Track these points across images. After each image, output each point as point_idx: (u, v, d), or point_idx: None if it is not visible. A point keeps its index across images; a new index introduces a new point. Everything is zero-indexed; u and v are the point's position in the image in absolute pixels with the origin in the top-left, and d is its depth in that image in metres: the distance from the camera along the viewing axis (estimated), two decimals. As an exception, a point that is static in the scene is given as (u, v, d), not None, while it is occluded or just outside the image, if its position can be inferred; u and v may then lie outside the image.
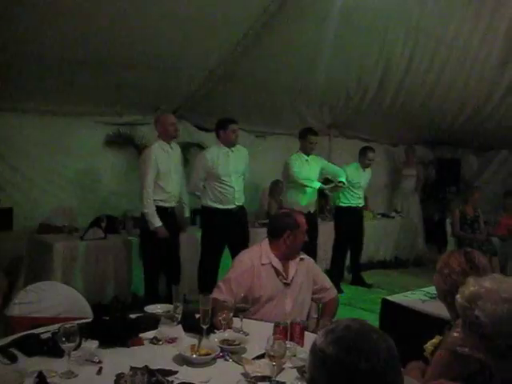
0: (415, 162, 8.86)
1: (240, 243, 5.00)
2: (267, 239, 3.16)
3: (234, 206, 5.29)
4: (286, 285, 3.05)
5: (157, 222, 4.85)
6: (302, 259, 3.17)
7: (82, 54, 4.99)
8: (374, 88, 6.89)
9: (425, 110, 7.53)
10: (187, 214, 5.46)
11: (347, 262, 7.01)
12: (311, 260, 3.27)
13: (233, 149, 5.30)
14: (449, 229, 7.51)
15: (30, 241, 5.35)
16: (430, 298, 3.48)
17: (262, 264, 3.02)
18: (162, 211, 4.94)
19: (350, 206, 6.68)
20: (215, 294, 2.87)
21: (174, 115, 6.59)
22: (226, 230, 5.20)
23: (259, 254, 3.07)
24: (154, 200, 4.90)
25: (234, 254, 5.00)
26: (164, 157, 4.97)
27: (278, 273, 3.04)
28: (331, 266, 6.77)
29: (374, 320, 3.96)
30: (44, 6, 4.27)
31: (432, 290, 3.56)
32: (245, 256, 3.13)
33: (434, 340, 2.24)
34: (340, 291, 6.39)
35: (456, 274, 2.24)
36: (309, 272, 3.17)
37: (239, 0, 4.88)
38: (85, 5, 4.35)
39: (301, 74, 6.17)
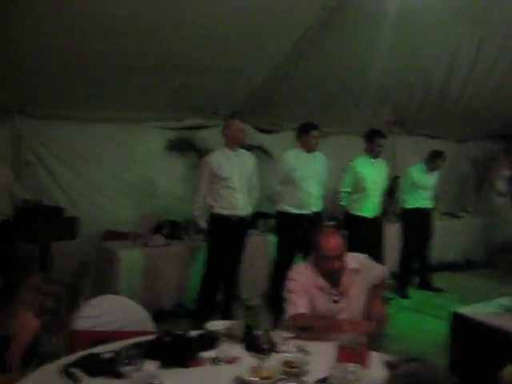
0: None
1: None
2: None
3: (309, 212, 5.22)
4: (336, 302, 2.91)
5: (202, 224, 5.00)
6: (355, 270, 2.97)
7: (141, 60, 5.05)
8: (439, 83, 6.63)
9: (494, 102, 7.19)
10: None
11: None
12: (376, 268, 3.11)
13: (311, 154, 5.26)
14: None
15: (96, 248, 5.47)
16: (505, 310, 3.27)
17: (311, 284, 2.90)
18: (223, 220, 4.89)
19: (418, 208, 6.42)
20: (295, 310, 2.77)
21: (233, 117, 6.71)
22: (300, 236, 5.10)
23: (306, 273, 2.93)
24: (215, 207, 4.88)
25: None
26: (226, 163, 4.89)
27: (326, 291, 2.90)
28: (399, 269, 6.55)
29: (443, 328, 3.78)
30: (104, 17, 4.35)
31: (506, 301, 3.38)
32: (293, 273, 2.97)
33: (511, 368, 2.07)
34: (405, 296, 6.24)
35: None
36: (365, 281, 3.00)
37: (297, 0, 4.78)
38: (143, 11, 4.39)
39: (359, 71, 6.02)
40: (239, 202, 4.95)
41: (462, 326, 3.35)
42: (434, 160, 6.40)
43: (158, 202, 6.37)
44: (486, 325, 3.14)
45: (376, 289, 3.05)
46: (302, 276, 2.92)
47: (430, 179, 6.49)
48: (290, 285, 2.90)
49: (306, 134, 5.18)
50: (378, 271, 3.09)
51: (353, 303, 2.95)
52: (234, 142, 4.96)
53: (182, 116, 6.54)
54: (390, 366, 2.14)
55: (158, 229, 5.41)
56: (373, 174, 5.77)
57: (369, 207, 5.74)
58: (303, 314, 2.73)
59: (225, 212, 4.89)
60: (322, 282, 2.89)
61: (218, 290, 5.12)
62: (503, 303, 3.39)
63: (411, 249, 6.49)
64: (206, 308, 4.96)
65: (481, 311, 3.37)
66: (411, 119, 7.86)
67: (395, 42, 5.54)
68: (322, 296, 2.89)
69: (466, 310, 3.43)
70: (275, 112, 6.84)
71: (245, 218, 5.07)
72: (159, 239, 5.30)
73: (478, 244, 8.03)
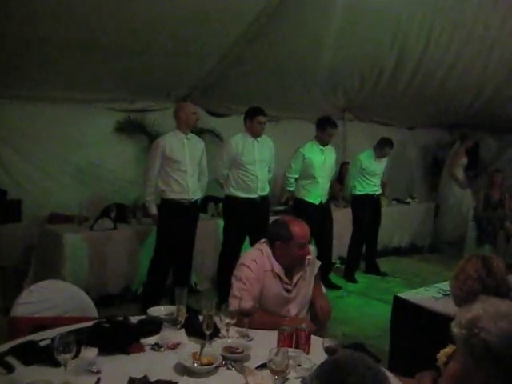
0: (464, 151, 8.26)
1: (261, 234, 4.94)
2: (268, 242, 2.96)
3: (256, 196, 5.21)
4: (289, 291, 2.91)
5: (153, 210, 4.91)
6: (309, 260, 2.99)
7: (92, 39, 4.90)
8: (390, 70, 6.71)
9: (442, 92, 7.35)
10: None
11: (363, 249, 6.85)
12: (317, 261, 3.14)
13: (258, 138, 5.22)
14: (470, 212, 7.47)
15: (41, 231, 5.32)
16: (444, 295, 3.37)
17: (265, 271, 2.86)
18: (175, 205, 4.84)
19: (366, 194, 6.50)
20: (243, 305, 2.68)
21: (185, 101, 6.63)
22: (247, 220, 5.14)
23: (262, 260, 2.88)
24: (167, 192, 4.83)
25: (253, 244, 4.96)
26: (178, 146, 4.83)
27: (280, 279, 2.89)
28: (348, 255, 6.65)
29: (387, 311, 3.87)
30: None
31: (446, 286, 3.47)
32: (249, 260, 2.88)
33: (446, 349, 2.13)
34: (354, 281, 6.36)
35: (472, 279, 2.18)
36: (312, 272, 3.04)
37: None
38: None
39: (311, 56, 6.04)
40: (190, 186, 4.90)
41: (402, 310, 3.44)
42: (382, 147, 6.49)
43: (106, 185, 6.24)
44: (424, 309, 3.23)
45: (316, 280, 3.08)
46: (258, 262, 2.86)
47: (379, 166, 6.57)
48: (243, 272, 2.83)
49: (251, 119, 5.15)
50: (317, 262, 3.12)
51: (302, 294, 2.97)
52: (187, 125, 4.90)
53: (133, 98, 6.41)
54: (330, 351, 2.18)
55: (104, 212, 5.29)
56: (321, 160, 5.80)
57: (316, 193, 5.79)
58: (248, 309, 2.67)
59: (176, 196, 4.84)
60: (279, 268, 2.87)
61: (167, 275, 5.08)
62: (442, 287, 3.49)
63: (360, 234, 6.59)
64: (154, 293, 4.90)
65: (421, 295, 3.47)
66: (362, 106, 7.95)
67: (346, 27, 5.56)
68: (276, 283, 2.88)
69: (407, 295, 3.52)
70: (227, 95, 6.79)
71: (195, 202, 5.04)
72: (106, 223, 5.20)
73: (422, 229, 8.23)
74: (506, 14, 5.64)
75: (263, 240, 3.02)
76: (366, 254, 6.86)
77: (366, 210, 6.52)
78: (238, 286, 2.79)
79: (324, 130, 5.74)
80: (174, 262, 5.01)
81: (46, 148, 5.90)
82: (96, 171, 6.20)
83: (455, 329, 1.50)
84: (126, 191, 6.28)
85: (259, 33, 5.44)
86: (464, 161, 8.16)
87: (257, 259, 2.87)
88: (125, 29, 4.87)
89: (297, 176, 5.81)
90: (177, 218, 4.87)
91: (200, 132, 6.65)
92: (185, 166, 4.85)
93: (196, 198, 5.02)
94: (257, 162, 5.19)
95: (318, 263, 3.12)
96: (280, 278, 2.88)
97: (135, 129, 6.40)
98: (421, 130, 9.25)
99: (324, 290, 3.24)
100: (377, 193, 6.63)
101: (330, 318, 3.12)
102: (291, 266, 2.91)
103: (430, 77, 6.88)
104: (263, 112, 5.15)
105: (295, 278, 2.93)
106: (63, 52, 4.99)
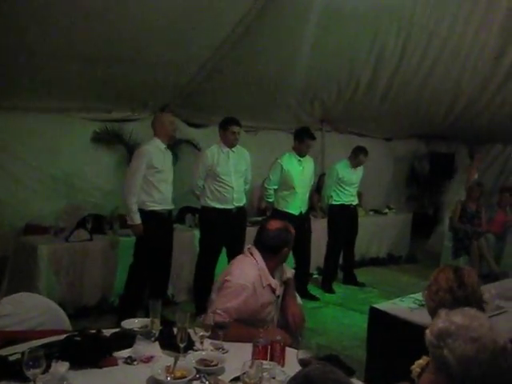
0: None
1: (237, 245, 4.98)
2: (257, 251, 2.90)
3: (232, 207, 5.18)
4: (277, 298, 2.93)
5: (138, 220, 4.69)
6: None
7: (68, 48, 4.88)
8: (366, 81, 6.80)
9: (418, 103, 7.46)
10: None
11: (340, 260, 6.85)
12: (290, 269, 3.13)
13: (233, 149, 5.20)
14: (446, 223, 7.52)
15: (15, 242, 5.23)
16: (419, 305, 3.38)
17: (263, 287, 2.82)
18: (156, 215, 4.77)
19: (342, 204, 6.50)
20: (222, 318, 2.60)
21: (164, 111, 6.60)
22: (223, 231, 5.12)
23: (259, 278, 2.81)
24: (147, 202, 4.74)
25: (230, 255, 4.96)
26: (160, 156, 4.80)
27: (273, 291, 2.88)
28: (324, 265, 6.65)
29: (364, 322, 3.87)
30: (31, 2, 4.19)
31: (421, 296, 3.48)
32: (248, 282, 2.77)
33: (420, 361, 2.13)
34: (332, 291, 6.36)
35: (443, 290, 2.18)
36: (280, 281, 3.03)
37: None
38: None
39: (287, 67, 6.08)
40: (169, 196, 4.89)
41: (378, 321, 3.44)
42: (357, 155, 6.52)
43: (82, 196, 6.17)
44: (400, 319, 3.24)
45: (288, 288, 3.06)
46: (256, 283, 2.80)
47: (355, 175, 6.59)
48: (238, 294, 2.73)
49: (224, 129, 5.13)
50: (289, 270, 3.10)
51: (280, 300, 2.98)
52: (166, 135, 4.86)
53: (111, 108, 6.37)
54: (304, 363, 2.17)
55: (81, 223, 5.24)
56: (299, 170, 5.82)
57: (296, 204, 5.79)
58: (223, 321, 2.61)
59: (157, 207, 4.78)
60: (275, 282, 2.87)
61: (145, 287, 5.00)
62: (418, 298, 3.50)
63: (337, 244, 6.58)
64: (131, 305, 4.82)
65: (397, 306, 3.47)
66: (339, 117, 8.02)
67: (322, 39, 5.62)
68: (270, 295, 2.87)
69: (383, 305, 3.52)
70: (205, 106, 6.80)
71: (171, 212, 5.03)
72: (82, 234, 5.13)
73: (400, 240, 8.26)
74: (479, 26, 5.77)
75: (251, 251, 2.94)
76: (343, 264, 6.86)
77: (343, 220, 6.52)
78: (229, 306, 2.69)
79: (302, 141, 5.76)
80: (152, 273, 4.95)
81: (21, 158, 5.81)
82: (73, 182, 6.13)
83: (428, 331, 1.51)
84: (103, 202, 6.21)
85: (237, 44, 5.49)
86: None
87: (256, 282, 2.80)
88: (102, 38, 4.86)
89: (276, 187, 5.81)
90: (157, 229, 4.80)
91: (178, 143, 6.64)
92: (166, 176, 4.84)
93: (172, 208, 5.01)
94: (232, 172, 5.17)
95: (292, 271, 3.10)
96: (273, 289, 2.87)
97: (112, 139, 6.35)
98: (398, 141, 9.35)
99: (299, 299, 3.23)
100: (353, 203, 6.63)
101: (302, 327, 3.11)
102: (276, 270, 2.94)
103: (405, 88, 6.99)
104: (237, 122, 5.13)
105: (278, 286, 2.93)
106: (39, 61, 4.96)
